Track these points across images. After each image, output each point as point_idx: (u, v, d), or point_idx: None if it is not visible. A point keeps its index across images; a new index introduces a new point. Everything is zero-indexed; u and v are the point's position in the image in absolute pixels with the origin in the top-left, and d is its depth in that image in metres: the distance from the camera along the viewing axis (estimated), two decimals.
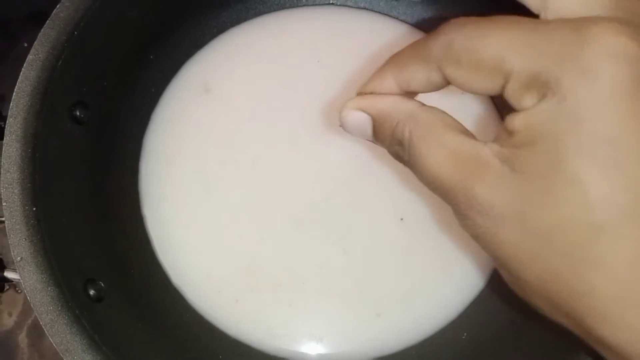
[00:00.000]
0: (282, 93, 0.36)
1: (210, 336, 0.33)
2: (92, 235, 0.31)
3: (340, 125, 0.21)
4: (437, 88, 0.19)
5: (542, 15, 0.18)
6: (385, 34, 0.38)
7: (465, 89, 0.18)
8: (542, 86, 0.16)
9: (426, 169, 0.18)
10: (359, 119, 0.21)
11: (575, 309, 0.16)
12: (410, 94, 0.20)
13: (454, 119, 0.19)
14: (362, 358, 0.33)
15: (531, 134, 0.16)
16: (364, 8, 0.39)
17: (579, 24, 0.16)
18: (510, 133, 0.17)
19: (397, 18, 0.38)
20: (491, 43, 0.17)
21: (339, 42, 0.37)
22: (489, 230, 0.17)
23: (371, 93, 0.21)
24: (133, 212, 0.34)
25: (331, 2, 0.39)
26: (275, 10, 0.38)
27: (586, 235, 0.16)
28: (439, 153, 0.18)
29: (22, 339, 0.40)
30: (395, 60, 0.20)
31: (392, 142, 0.20)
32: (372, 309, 0.33)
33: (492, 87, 0.17)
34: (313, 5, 0.39)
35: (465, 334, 0.33)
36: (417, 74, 0.19)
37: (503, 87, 0.17)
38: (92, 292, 0.29)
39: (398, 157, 0.20)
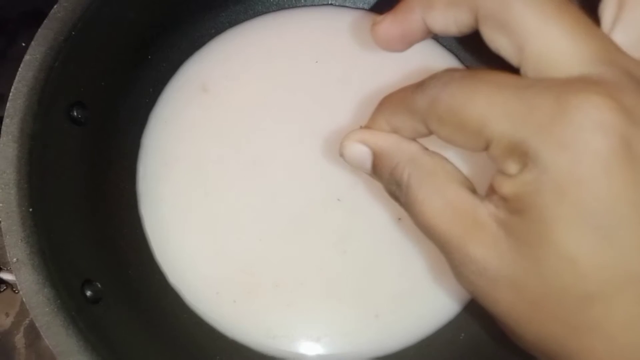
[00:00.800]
0: (280, 93, 0.36)
1: (208, 337, 0.33)
2: (89, 236, 0.31)
3: (340, 155, 0.21)
4: (424, 136, 0.19)
5: (522, 72, 0.17)
6: None
7: (449, 144, 0.18)
8: (522, 155, 0.16)
9: (422, 217, 0.18)
10: (359, 152, 0.20)
11: None
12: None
13: (455, 168, 0.19)
14: (361, 358, 0.33)
15: (520, 203, 0.16)
16: (363, 8, 0.38)
17: (559, 91, 0.15)
18: (503, 199, 0.17)
19: None
20: (473, 106, 0.16)
21: (338, 42, 0.37)
22: (482, 289, 0.17)
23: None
24: (131, 212, 0.34)
25: (330, 2, 0.39)
26: (273, 10, 0.38)
27: (579, 304, 0.16)
28: (436, 203, 0.18)
29: (19, 339, 0.40)
30: (386, 104, 0.20)
31: (390, 182, 0.20)
32: (370, 309, 0.33)
33: (476, 147, 0.17)
34: (311, 5, 0.38)
35: (463, 334, 0.33)
36: (405, 123, 0.19)
37: (486, 150, 0.17)
38: (89, 294, 0.29)
39: (394, 196, 0.20)
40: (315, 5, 0.38)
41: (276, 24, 0.38)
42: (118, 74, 0.34)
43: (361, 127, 0.21)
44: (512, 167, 0.16)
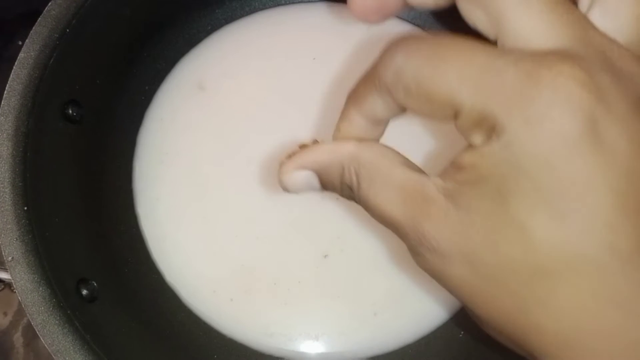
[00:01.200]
0: (277, 91, 0.36)
1: (205, 336, 0.33)
2: (85, 234, 0.31)
3: (284, 189, 0.20)
4: (400, 114, 0.19)
5: (499, 43, 0.17)
6: (381, 30, 0.37)
7: (417, 116, 0.18)
8: (489, 128, 0.16)
9: (377, 209, 0.18)
10: (302, 178, 0.20)
11: (527, 346, 0.16)
12: (382, 123, 0.20)
13: (396, 153, 0.19)
14: (359, 357, 0.33)
15: (476, 173, 0.16)
16: None
17: (532, 65, 0.15)
18: (458, 168, 0.17)
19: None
20: (441, 78, 0.16)
21: (335, 39, 0.37)
22: (437, 267, 0.17)
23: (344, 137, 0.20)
24: (127, 211, 0.34)
25: None
26: (270, 7, 0.38)
27: (530, 277, 0.16)
28: (386, 191, 0.18)
29: (17, 338, 0.40)
30: (353, 96, 0.19)
31: (342, 188, 0.19)
32: (368, 308, 0.33)
33: (443, 118, 0.17)
34: (308, 2, 0.38)
35: (462, 332, 0.33)
36: (376, 104, 0.18)
37: (454, 120, 0.17)
38: (84, 292, 0.29)
39: (350, 198, 0.20)
40: (312, 1, 0.38)
41: (273, 20, 0.37)
42: (113, 71, 0.33)
43: (299, 147, 0.20)
44: (477, 138, 0.16)
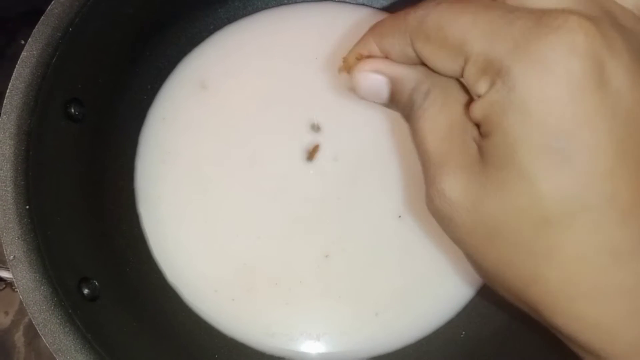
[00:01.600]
0: (279, 90, 0.36)
1: (206, 335, 0.33)
2: (87, 233, 0.31)
3: (351, 89, 0.20)
4: (413, 62, 0.19)
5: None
6: None
7: (430, 66, 0.18)
8: (495, 73, 0.16)
9: (421, 132, 0.18)
10: (376, 82, 0.20)
11: (528, 298, 0.17)
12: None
13: (462, 92, 0.19)
14: (360, 357, 0.33)
15: (489, 124, 0.16)
16: (363, 4, 0.38)
17: (542, 14, 0.15)
18: (477, 123, 0.17)
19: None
20: (458, 24, 0.17)
21: (337, 38, 0.37)
22: (446, 211, 0.17)
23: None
24: (128, 210, 0.34)
25: None
26: (272, 6, 0.38)
27: (535, 227, 0.16)
28: (438, 121, 0.18)
29: (19, 338, 0.40)
30: (377, 28, 0.20)
31: (405, 105, 0.20)
32: (370, 307, 0.33)
33: (454, 67, 0.17)
34: (311, 1, 0.38)
35: (463, 332, 0.33)
36: (394, 45, 0.19)
37: (463, 72, 0.17)
38: (86, 291, 0.28)
39: (406, 116, 0.20)
40: (314, 1, 0.38)
41: (275, 20, 0.37)
42: (116, 70, 0.33)
43: (348, 56, 0.20)
44: (482, 86, 0.16)
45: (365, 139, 0.35)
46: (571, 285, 0.16)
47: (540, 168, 0.15)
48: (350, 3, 0.38)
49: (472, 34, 0.16)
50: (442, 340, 0.33)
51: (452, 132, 0.18)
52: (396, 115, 0.21)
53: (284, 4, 0.38)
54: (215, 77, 0.36)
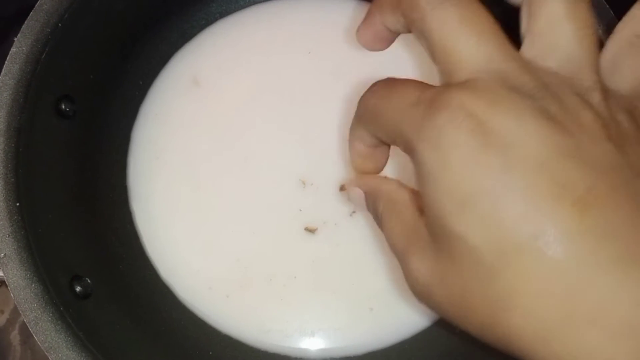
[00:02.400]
0: (273, 85, 0.36)
1: (201, 332, 0.32)
2: (79, 231, 0.31)
3: (349, 200, 0.25)
4: (378, 142, 0.22)
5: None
6: None
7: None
8: (409, 152, 0.18)
9: (387, 237, 0.21)
10: (357, 194, 0.24)
11: (514, 349, 0.17)
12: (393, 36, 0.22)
13: (412, 197, 0.21)
14: (355, 352, 0.33)
15: (421, 203, 0.18)
16: None
17: (435, 96, 0.17)
18: None
19: None
20: (385, 110, 0.19)
21: (330, 32, 0.37)
22: (424, 293, 0.19)
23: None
24: (121, 207, 0.34)
25: None
26: (264, 1, 0.38)
27: (487, 281, 0.17)
28: (395, 225, 0.21)
29: (15, 336, 0.40)
30: (378, 3, 0.21)
31: (374, 214, 0.23)
32: (364, 303, 0.32)
33: (394, 144, 0.20)
34: None
35: (458, 327, 0.33)
36: (363, 137, 0.22)
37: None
38: (78, 289, 0.28)
39: (378, 225, 0.22)
40: None
41: (268, 14, 0.37)
42: (107, 66, 0.33)
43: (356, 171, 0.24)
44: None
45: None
46: (538, 324, 0.16)
47: (465, 225, 0.16)
48: None
49: (393, 118, 0.19)
50: (437, 335, 0.32)
51: (406, 228, 0.20)
52: None
53: None
54: (207, 72, 0.36)
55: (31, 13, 0.29)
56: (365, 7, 0.37)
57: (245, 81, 0.36)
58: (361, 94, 0.21)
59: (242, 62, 0.36)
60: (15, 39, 0.29)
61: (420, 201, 0.19)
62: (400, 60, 0.36)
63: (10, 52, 0.28)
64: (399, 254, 0.20)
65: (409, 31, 0.20)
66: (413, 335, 0.32)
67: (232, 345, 0.32)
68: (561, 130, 0.16)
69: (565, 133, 0.16)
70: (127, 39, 0.34)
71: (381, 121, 0.20)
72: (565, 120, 0.17)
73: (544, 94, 0.17)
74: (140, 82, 0.36)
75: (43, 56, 0.29)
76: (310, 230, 0.33)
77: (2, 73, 0.28)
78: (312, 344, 0.32)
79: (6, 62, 0.28)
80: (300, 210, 0.34)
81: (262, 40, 0.37)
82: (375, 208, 0.22)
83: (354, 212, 0.34)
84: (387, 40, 0.22)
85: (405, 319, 0.32)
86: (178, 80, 0.36)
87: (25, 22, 0.29)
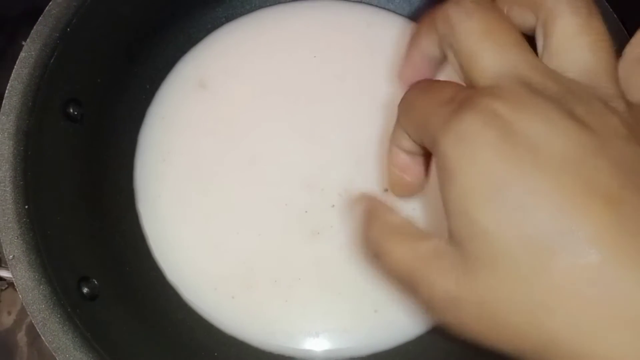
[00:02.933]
0: (278, 88, 0.36)
1: (206, 333, 0.33)
2: (87, 233, 0.31)
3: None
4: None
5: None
6: (382, 27, 0.37)
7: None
8: (432, 147, 0.18)
9: (389, 265, 0.20)
10: (359, 214, 0.23)
11: (543, 351, 0.17)
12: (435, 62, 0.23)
13: (417, 229, 0.21)
14: (359, 353, 0.33)
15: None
16: (360, 2, 0.38)
17: (464, 96, 0.18)
18: None
19: (393, 11, 0.38)
20: (417, 108, 0.20)
21: (336, 36, 0.37)
22: (452, 314, 0.18)
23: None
24: (128, 209, 0.34)
25: None
26: (271, 4, 0.38)
27: (521, 277, 0.16)
28: (400, 250, 0.20)
29: (21, 337, 0.40)
30: (415, 37, 0.22)
31: (366, 239, 0.22)
32: (368, 304, 0.32)
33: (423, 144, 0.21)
34: None
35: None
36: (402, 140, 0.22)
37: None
38: (85, 290, 0.29)
39: (372, 258, 0.22)
40: None
41: (273, 18, 0.37)
42: (114, 70, 0.34)
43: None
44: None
45: (362, 134, 0.35)
46: (577, 326, 0.16)
47: (495, 223, 0.16)
48: (348, 0, 0.38)
49: (423, 113, 0.19)
50: (441, 336, 0.32)
51: (419, 252, 0.19)
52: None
53: (282, 2, 0.38)
54: (214, 76, 0.36)
55: (40, 18, 0.29)
56: (371, 11, 0.37)
57: (251, 84, 0.36)
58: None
59: (248, 65, 0.36)
60: (24, 43, 0.29)
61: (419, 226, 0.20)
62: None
63: (19, 56, 0.29)
64: (407, 278, 0.19)
65: (444, 54, 0.21)
66: (417, 337, 0.33)
67: (237, 346, 0.33)
68: (588, 131, 0.16)
69: (593, 133, 0.16)
70: (134, 43, 0.34)
71: (412, 114, 0.20)
72: (592, 121, 0.17)
73: (569, 98, 0.17)
74: (147, 86, 0.36)
75: (51, 61, 0.29)
76: (316, 232, 0.33)
77: (11, 77, 0.28)
78: (317, 345, 0.33)
79: (15, 66, 0.29)
80: (306, 211, 0.34)
81: (268, 43, 0.37)
82: (369, 231, 0.22)
83: None
84: (427, 72, 0.22)
85: (409, 321, 0.33)
86: (184, 84, 0.36)
87: (34, 27, 0.29)
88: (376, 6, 0.38)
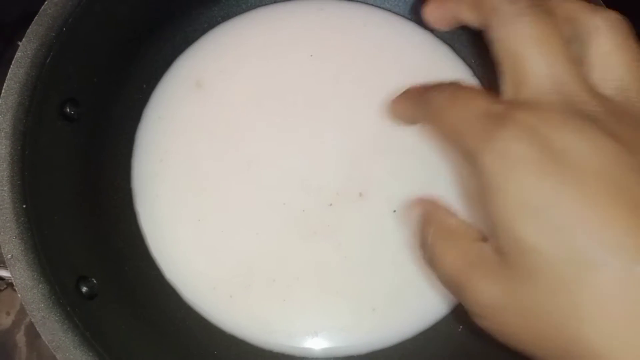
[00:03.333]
0: (275, 88, 0.36)
1: (205, 332, 0.33)
2: (85, 232, 0.31)
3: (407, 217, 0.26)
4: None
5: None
6: (378, 26, 0.37)
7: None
8: (470, 161, 0.19)
9: (439, 266, 0.21)
10: (414, 217, 0.24)
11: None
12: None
13: (469, 228, 0.21)
14: (358, 352, 0.33)
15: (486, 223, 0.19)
16: (357, 1, 0.38)
17: (502, 111, 0.18)
18: None
19: (390, 10, 0.38)
20: (452, 114, 0.20)
21: (332, 35, 0.37)
22: (496, 320, 0.19)
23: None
24: (126, 208, 0.34)
25: None
26: (267, 4, 0.38)
27: (563, 289, 0.17)
28: (450, 252, 0.21)
29: (20, 338, 0.40)
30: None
31: (423, 241, 0.23)
32: (367, 303, 0.33)
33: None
34: None
35: (460, 327, 0.33)
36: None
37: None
38: (84, 289, 0.29)
39: (424, 258, 0.23)
40: None
41: (270, 18, 0.37)
42: (111, 70, 0.34)
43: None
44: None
45: (358, 132, 0.35)
46: (614, 338, 0.16)
47: (537, 237, 0.17)
48: (345, 0, 0.38)
49: (458, 125, 0.19)
50: (440, 335, 0.33)
51: (466, 255, 0.20)
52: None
53: (278, 1, 0.38)
54: (210, 75, 0.36)
55: (36, 18, 0.29)
56: (368, 10, 0.38)
57: (247, 84, 0.36)
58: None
59: (244, 65, 0.36)
60: (20, 43, 0.29)
61: (475, 227, 0.20)
62: (405, 62, 0.36)
63: (15, 56, 0.29)
64: (456, 282, 0.20)
65: (478, 28, 0.21)
66: (415, 335, 0.33)
67: (237, 345, 0.33)
68: (627, 149, 0.17)
69: (631, 151, 0.17)
70: (130, 42, 0.34)
71: (443, 122, 0.20)
72: (630, 140, 0.17)
73: (607, 117, 0.18)
74: (144, 86, 0.36)
75: (48, 60, 0.29)
76: (313, 231, 0.34)
77: (7, 77, 0.28)
78: (316, 343, 0.33)
79: (11, 66, 0.28)
80: (303, 211, 0.34)
81: (265, 43, 0.37)
82: (425, 236, 0.22)
83: (356, 212, 0.34)
84: (451, 24, 0.23)
85: (408, 319, 0.33)
86: (181, 84, 0.36)
87: (30, 26, 0.29)
88: (372, 5, 0.38)
